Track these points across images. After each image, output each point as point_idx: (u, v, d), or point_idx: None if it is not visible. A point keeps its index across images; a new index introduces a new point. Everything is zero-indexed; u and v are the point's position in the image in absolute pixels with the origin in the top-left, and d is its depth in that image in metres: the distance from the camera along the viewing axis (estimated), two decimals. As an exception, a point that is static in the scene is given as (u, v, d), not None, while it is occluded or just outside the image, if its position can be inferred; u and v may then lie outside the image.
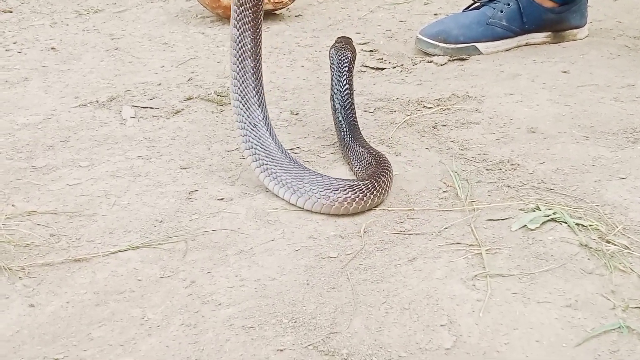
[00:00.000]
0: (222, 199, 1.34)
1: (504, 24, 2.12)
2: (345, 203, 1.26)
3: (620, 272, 1.09)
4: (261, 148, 1.33)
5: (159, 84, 1.93)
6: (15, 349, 0.98)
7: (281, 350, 0.96)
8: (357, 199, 1.27)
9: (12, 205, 1.32)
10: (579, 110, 1.68)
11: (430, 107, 1.74)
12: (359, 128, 1.51)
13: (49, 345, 0.98)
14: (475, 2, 2.18)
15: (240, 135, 1.35)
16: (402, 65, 2.05)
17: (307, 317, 1.02)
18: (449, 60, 2.07)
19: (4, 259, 1.16)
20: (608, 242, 1.16)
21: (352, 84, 1.52)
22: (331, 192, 1.27)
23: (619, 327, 0.98)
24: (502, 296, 1.05)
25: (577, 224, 1.20)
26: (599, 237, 1.17)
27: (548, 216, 1.22)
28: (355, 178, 1.38)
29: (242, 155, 1.39)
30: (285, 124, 1.68)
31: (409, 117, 1.69)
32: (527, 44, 2.17)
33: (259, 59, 1.35)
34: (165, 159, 1.50)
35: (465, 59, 2.08)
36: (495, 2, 2.13)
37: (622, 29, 2.29)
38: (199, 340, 0.99)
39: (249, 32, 1.32)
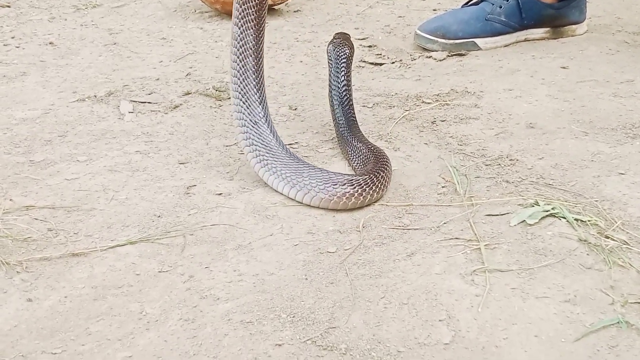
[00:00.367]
0: (220, 193, 1.34)
1: (503, 19, 2.12)
2: (344, 198, 1.26)
3: (619, 268, 1.09)
4: (262, 145, 1.33)
5: (157, 79, 1.92)
6: (13, 343, 0.98)
7: (280, 345, 0.96)
8: (356, 194, 1.26)
9: (10, 199, 1.32)
10: (578, 106, 1.68)
11: (429, 103, 1.73)
12: (357, 124, 1.50)
13: (47, 339, 0.98)
14: (474, -2, 2.18)
15: (241, 133, 1.34)
16: (401, 60, 2.05)
17: (305, 312, 1.02)
18: (448, 56, 2.06)
19: (1, 253, 1.15)
20: (607, 237, 1.16)
21: (350, 80, 1.52)
22: (330, 186, 1.26)
23: (618, 322, 0.98)
24: (501, 291, 1.05)
25: (576, 219, 1.20)
26: (597, 233, 1.17)
27: (547, 211, 1.22)
28: (354, 173, 1.38)
29: (242, 152, 1.38)
30: (283, 119, 1.68)
31: (407, 112, 1.68)
32: (526, 40, 2.16)
33: (261, 57, 1.33)
34: (163, 154, 1.50)
35: (464, 55, 2.07)
36: (494, -3, 2.13)
37: (621, 25, 2.29)
38: (197, 334, 0.98)
39: (251, 30, 1.30)
